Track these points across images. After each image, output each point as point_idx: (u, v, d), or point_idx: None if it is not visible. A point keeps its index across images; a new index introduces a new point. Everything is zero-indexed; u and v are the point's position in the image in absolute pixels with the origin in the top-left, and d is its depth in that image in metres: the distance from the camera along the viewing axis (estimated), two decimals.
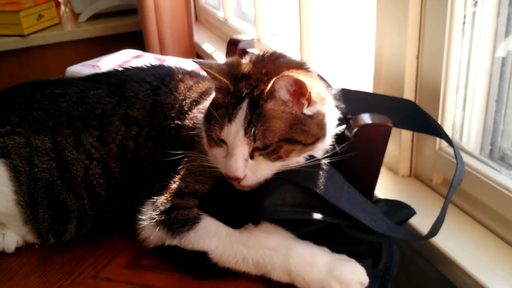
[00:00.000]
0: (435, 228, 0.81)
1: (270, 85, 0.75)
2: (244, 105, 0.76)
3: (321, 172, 0.79)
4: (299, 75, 0.74)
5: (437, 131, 0.91)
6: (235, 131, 0.76)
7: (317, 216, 0.77)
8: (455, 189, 0.82)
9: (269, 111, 0.76)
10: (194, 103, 0.93)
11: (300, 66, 0.83)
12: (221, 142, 0.78)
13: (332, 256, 0.78)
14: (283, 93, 0.76)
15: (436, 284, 0.96)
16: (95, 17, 2.41)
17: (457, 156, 0.85)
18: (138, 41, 2.14)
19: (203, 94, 0.94)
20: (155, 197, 0.84)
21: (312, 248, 0.78)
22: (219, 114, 0.77)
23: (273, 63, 0.82)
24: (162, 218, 0.81)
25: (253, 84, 0.78)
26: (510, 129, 0.92)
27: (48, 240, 0.92)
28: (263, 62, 0.82)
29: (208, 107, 0.81)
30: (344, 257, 0.79)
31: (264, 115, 0.76)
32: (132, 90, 0.96)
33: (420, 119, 0.93)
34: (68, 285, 0.83)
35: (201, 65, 0.80)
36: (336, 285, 0.75)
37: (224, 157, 0.78)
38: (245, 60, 0.84)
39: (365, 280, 0.77)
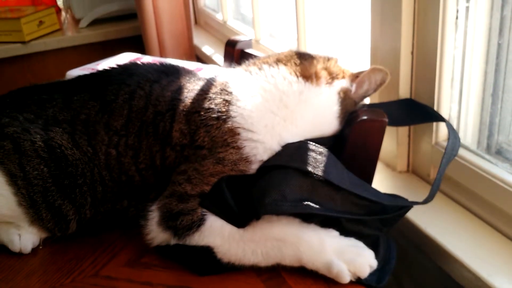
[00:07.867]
0: (431, 195, 0.84)
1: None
2: None
3: (324, 158, 0.81)
4: None
5: (436, 117, 0.95)
6: None
7: (318, 210, 0.78)
8: (449, 159, 0.86)
9: None
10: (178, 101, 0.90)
11: None
12: None
13: (341, 240, 0.79)
14: None
15: (435, 279, 0.97)
16: (95, 23, 2.42)
17: (449, 129, 0.90)
18: (138, 45, 2.15)
19: (180, 90, 0.92)
20: (161, 201, 0.84)
21: (320, 234, 0.79)
22: None
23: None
24: (169, 224, 0.81)
25: None
26: (506, 122, 0.93)
27: (56, 235, 0.93)
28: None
29: None
30: (352, 240, 0.80)
31: None
32: (113, 93, 0.93)
33: (419, 112, 0.97)
34: (69, 284, 0.84)
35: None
36: (345, 269, 0.76)
37: None
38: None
39: (374, 263, 0.78)
